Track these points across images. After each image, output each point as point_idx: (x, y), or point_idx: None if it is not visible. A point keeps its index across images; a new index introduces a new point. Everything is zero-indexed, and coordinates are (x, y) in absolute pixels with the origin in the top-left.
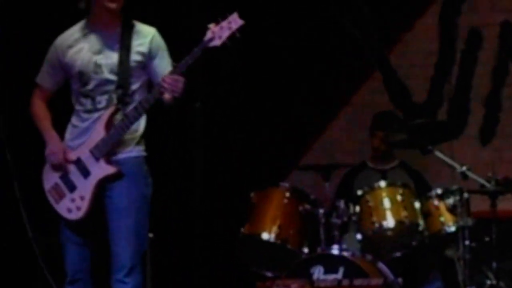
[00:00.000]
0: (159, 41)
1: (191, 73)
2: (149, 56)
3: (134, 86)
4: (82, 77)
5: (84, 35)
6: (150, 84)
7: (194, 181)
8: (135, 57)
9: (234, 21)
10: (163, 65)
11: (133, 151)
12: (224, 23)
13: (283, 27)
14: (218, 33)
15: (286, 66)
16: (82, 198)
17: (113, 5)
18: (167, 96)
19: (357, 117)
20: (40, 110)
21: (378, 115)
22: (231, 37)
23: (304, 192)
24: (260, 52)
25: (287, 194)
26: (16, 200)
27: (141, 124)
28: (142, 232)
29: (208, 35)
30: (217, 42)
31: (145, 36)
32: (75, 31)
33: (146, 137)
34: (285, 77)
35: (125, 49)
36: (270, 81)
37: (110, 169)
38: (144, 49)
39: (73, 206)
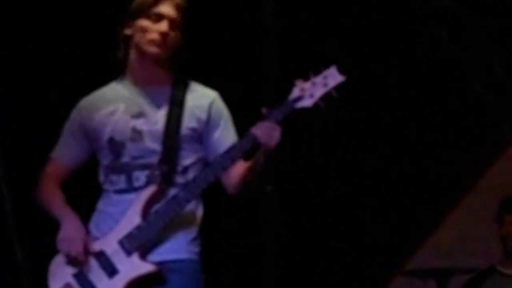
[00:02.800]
0: (222, 107)
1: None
2: (206, 125)
3: (187, 161)
4: (114, 146)
5: (119, 94)
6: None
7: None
8: (189, 123)
9: (332, 77)
10: (227, 138)
11: (186, 252)
12: (317, 79)
13: (390, 90)
14: (310, 90)
15: (390, 136)
16: None
17: (153, 49)
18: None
19: (484, 206)
20: (51, 189)
21: (509, 197)
22: (326, 96)
23: None
24: (354, 119)
25: None
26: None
27: (198, 211)
28: None
29: (295, 93)
30: (307, 103)
31: (204, 99)
32: (106, 90)
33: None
34: (391, 154)
35: (175, 112)
36: (367, 155)
37: (146, 267)
38: (201, 114)
39: None
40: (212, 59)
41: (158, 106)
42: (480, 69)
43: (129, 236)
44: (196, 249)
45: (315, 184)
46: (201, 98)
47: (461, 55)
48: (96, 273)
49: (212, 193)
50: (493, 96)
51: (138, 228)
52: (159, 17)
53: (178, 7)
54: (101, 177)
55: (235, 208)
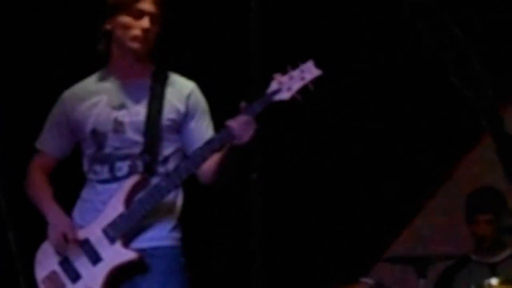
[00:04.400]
0: (199, 98)
1: None
2: (185, 116)
3: (167, 151)
4: (97, 137)
5: (102, 86)
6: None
7: (251, 275)
8: (168, 115)
9: (309, 71)
10: (202, 129)
11: (167, 239)
12: (295, 72)
13: (368, 81)
14: (287, 84)
15: (371, 129)
16: None
17: (136, 45)
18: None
19: (461, 194)
20: (38, 181)
21: (477, 194)
22: (303, 89)
23: None
24: (336, 109)
25: None
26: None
27: (178, 200)
28: None
29: (273, 86)
30: (284, 96)
31: (182, 90)
32: (89, 82)
33: (188, 218)
34: (370, 142)
35: (156, 104)
36: (349, 146)
37: (128, 255)
38: (180, 105)
39: None
40: (197, 55)
41: (139, 98)
42: (456, 60)
43: (113, 224)
44: (177, 235)
45: (300, 173)
46: (180, 90)
47: (437, 47)
48: (80, 261)
49: (198, 182)
50: (469, 87)
51: (121, 216)
52: (140, 14)
53: (157, 2)
54: (85, 167)
55: (220, 196)
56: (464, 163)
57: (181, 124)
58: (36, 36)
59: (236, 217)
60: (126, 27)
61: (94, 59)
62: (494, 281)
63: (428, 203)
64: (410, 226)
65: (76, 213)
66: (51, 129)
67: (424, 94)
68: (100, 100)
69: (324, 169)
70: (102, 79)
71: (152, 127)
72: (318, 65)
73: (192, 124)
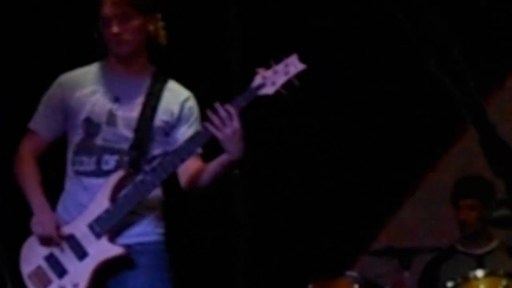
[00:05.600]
0: (194, 106)
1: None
2: (178, 119)
3: (155, 152)
4: (90, 126)
5: (101, 77)
6: None
7: (235, 270)
8: (162, 116)
9: (293, 65)
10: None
11: (153, 234)
12: (279, 67)
13: (352, 74)
14: (271, 78)
15: (353, 122)
16: (75, 285)
17: (116, 50)
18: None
19: (445, 186)
20: (28, 167)
21: (462, 180)
22: (288, 84)
23: (377, 284)
24: (319, 103)
25: (356, 287)
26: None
27: (161, 196)
28: None
29: (257, 80)
30: (269, 90)
31: (179, 95)
32: (88, 70)
33: (169, 214)
34: (353, 136)
35: (151, 103)
36: (331, 141)
37: (114, 250)
38: (175, 108)
39: None
40: (178, 50)
41: (135, 96)
42: (438, 52)
43: (98, 220)
44: (161, 230)
45: (282, 168)
46: (177, 94)
47: (418, 39)
48: (66, 256)
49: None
50: (452, 79)
51: (107, 211)
52: (106, 19)
53: (116, 1)
54: (69, 156)
55: (203, 192)
56: (448, 155)
57: (172, 126)
58: (36, 36)
59: (219, 212)
60: (104, 35)
61: (92, 58)
62: (479, 273)
63: (411, 196)
64: (394, 219)
65: (60, 206)
66: (46, 111)
67: (407, 87)
68: (97, 90)
69: (307, 163)
70: (101, 70)
71: (144, 125)
72: (301, 58)
73: (184, 129)
